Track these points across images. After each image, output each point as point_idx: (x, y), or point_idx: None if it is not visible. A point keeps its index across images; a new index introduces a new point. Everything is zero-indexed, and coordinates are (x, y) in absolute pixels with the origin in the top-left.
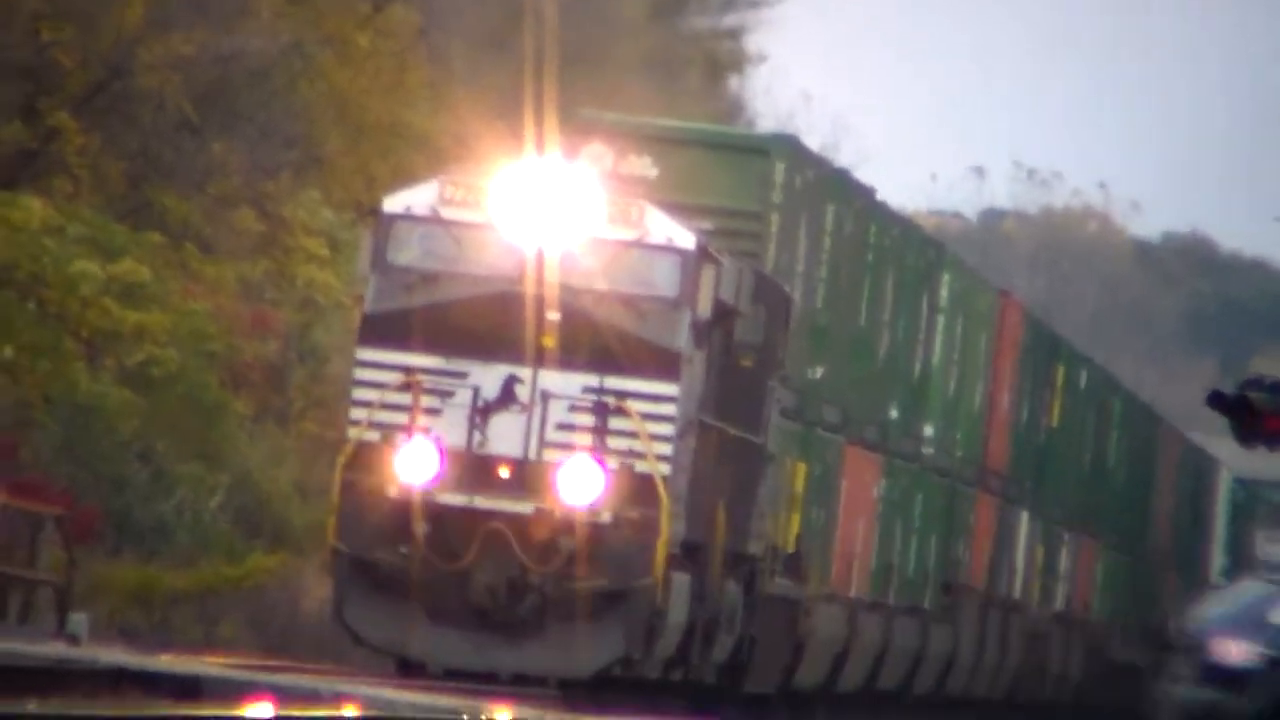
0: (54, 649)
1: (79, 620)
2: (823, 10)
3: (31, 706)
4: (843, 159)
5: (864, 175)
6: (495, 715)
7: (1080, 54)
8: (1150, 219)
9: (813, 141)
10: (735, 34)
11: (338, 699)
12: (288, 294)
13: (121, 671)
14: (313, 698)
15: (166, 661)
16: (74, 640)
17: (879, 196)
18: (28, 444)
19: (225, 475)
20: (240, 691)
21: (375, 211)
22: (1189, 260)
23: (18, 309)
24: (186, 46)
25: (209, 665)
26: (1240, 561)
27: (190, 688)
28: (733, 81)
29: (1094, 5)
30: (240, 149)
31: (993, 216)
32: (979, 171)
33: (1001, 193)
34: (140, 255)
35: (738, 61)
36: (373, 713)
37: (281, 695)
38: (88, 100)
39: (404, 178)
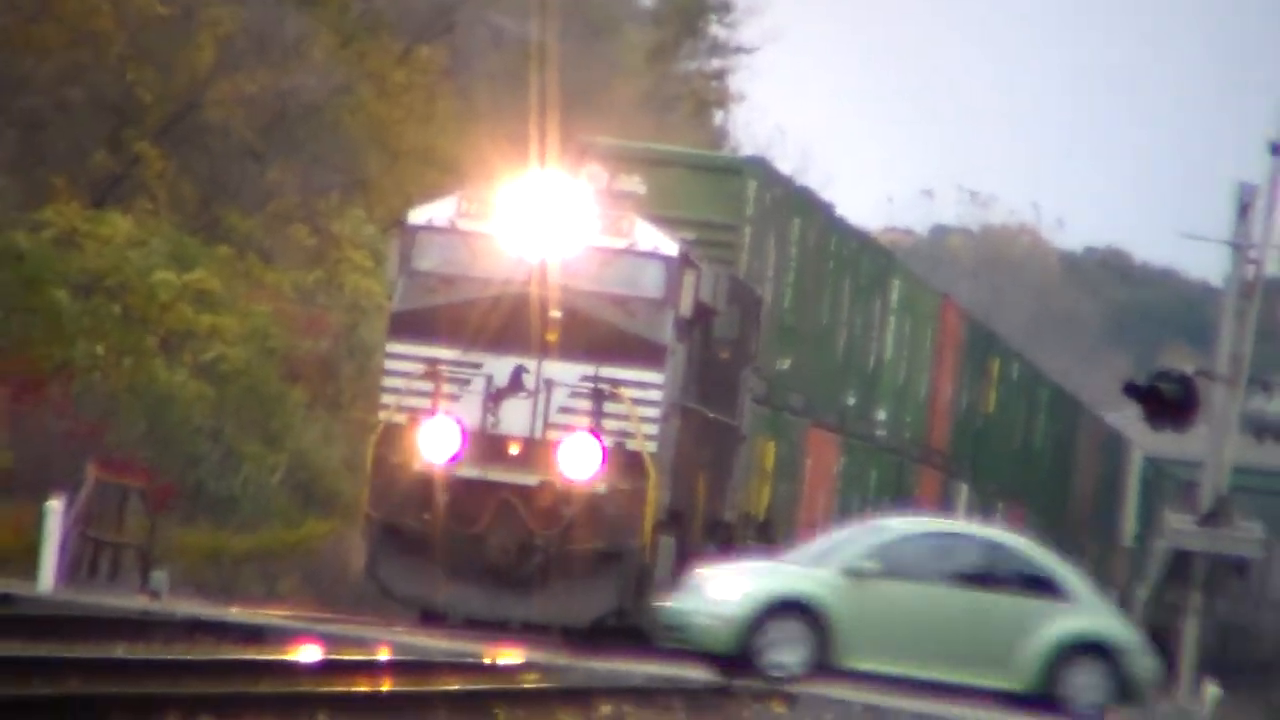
0: (138, 602)
1: (159, 578)
2: (795, 55)
3: (120, 651)
4: (810, 181)
5: (828, 195)
6: (508, 657)
7: (1017, 90)
8: (1074, 234)
9: (785, 166)
10: (719, 75)
11: (375, 644)
12: (337, 299)
13: (196, 621)
14: (354, 643)
15: (233, 613)
16: (155, 595)
17: (839, 213)
18: (115, 428)
19: (284, 454)
20: (295, 637)
21: (401, 224)
22: (1107, 270)
23: (106, 312)
24: (250, 85)
25: (269, 616)
26: (1149, 528)
27: (253, 635)
28: (717, 116)
29: (1027, 48)
30: (295, 173)
31: (940, 232)
32: (928, 194)
33: (948, 212)
34: (210, 265)
35: (721, 99)
36: (404, 656)
37: (328, 641)
38: (165, 131)
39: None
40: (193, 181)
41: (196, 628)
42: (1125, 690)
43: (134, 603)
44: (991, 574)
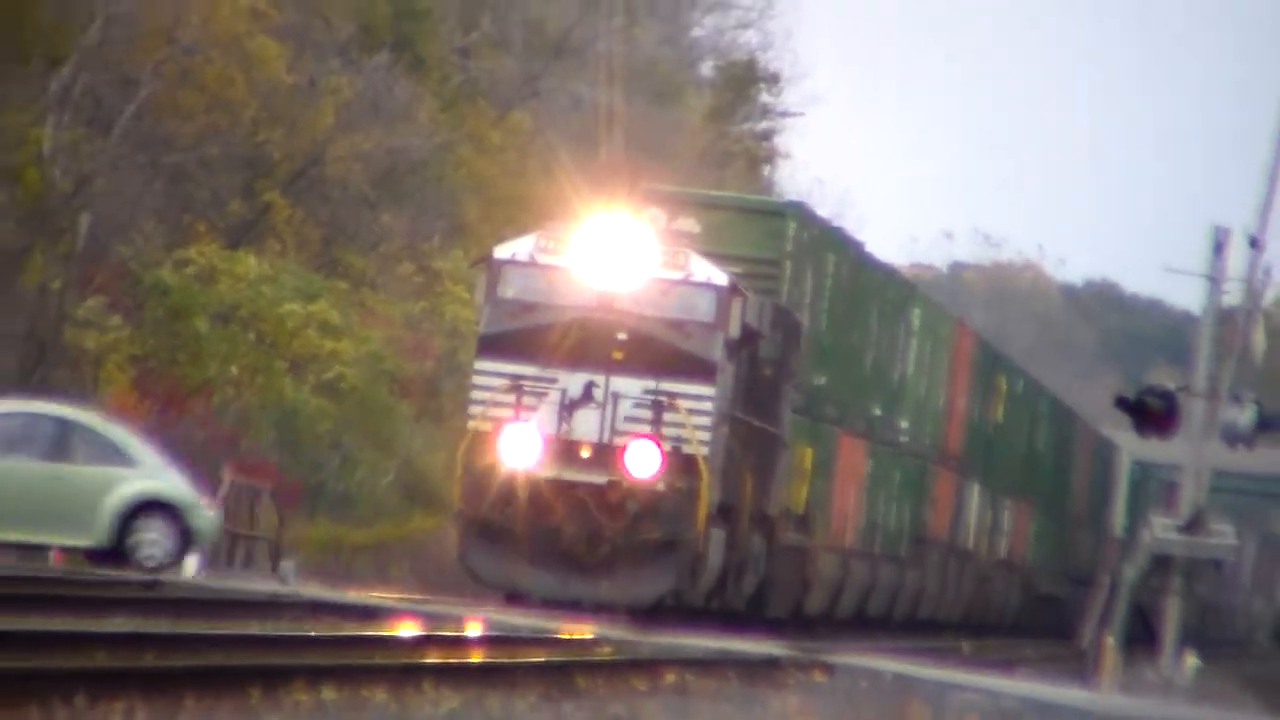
0: (269, 587)
1: (287, 566)
2: (833, 116)
3: (253, 629)
4: (845, 224)
5: (860, 235)
6: (581, 633)
7: (1028, 143)
8: (1073, 269)
9: (823, 211)
10: (768, 135)
11: (466, 620)
12: (439, 326)
13: (318, 603)
14: (450, 620)
15: (350, 596)
16: (284, 580)
17: (869, 250)
18: (248, 437)
19: (394, 460)
20: (402, 616)
21: (488, 258)
22: (1102, 300)
23: (241, 338)
24: (365, 143)
25: (381, 598)
26: (1136, 521)
27: (367, 614)
28: (765, 170)
29: (1037, 107)
30: (404, 219)
31: (958, 268)
32: (948, 235)
33: (964, 251)
34: (331, 298)
35: (769, 156)
36: (493, 632)
37: (428, 619)
38: (292, 183)
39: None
40: (315, 226)
41: (319, 608)
42: (188, 539)
43: (265, 587)
44: (67, 447)
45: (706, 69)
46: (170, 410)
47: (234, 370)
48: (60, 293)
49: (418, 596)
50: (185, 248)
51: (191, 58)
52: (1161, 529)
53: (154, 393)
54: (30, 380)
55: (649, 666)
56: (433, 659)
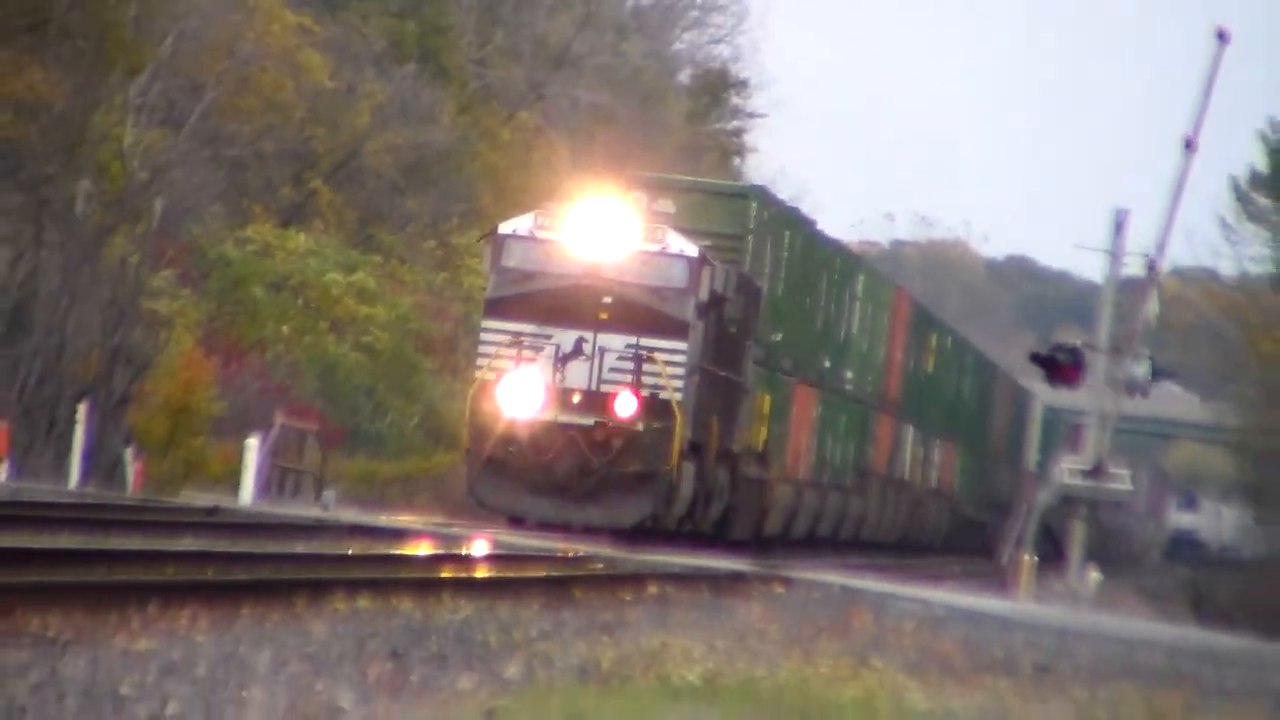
0: (313, 513)
1: (328, 495)
2: (793, 117)
3: (299, 548)
4: (803, 207)
5: (815, 216)
6: (574, 550)
7: (959, 136)
8: (995, 245)
9: (785, 196)
10: (738, 133)
11: (475, 538)
12: (458, 293)
13: (355, 526)
14: (462, 539)
15: (382, 520)
16: (325, 507)
17: (820, 227)
18: (296, 387)
19: (418, 406)
20: (422, 536)
21: (493, 233)
22: (1019, 271)
23: (290, 304)
24: (395, 139)
25: (408, 522)
26: (1047, 457)
27: (396, 535)
28: (736, 161)
29: (967, 101)
30: (428, 203)
31: (898, 245)
32: (889, 216)
33: (903, 230)
34: (366, 269)
35: (739, 150)
36: (499, 550)
37: (445, 538)
38: (333, 173)
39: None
40: (353, 209)
41: (355, 531)
42: None
43: (310, 513)
44: None
45: (685, 77)
46: (231, 364)
47: (284, 331)
48: (137, 266)
49: (438, 521)
50: (244, 227)
51: (249, 67)
52: (1069, 474)
53: (217, 350)
54: (111, 340)
55: (634, 580)
56: (450, 574)
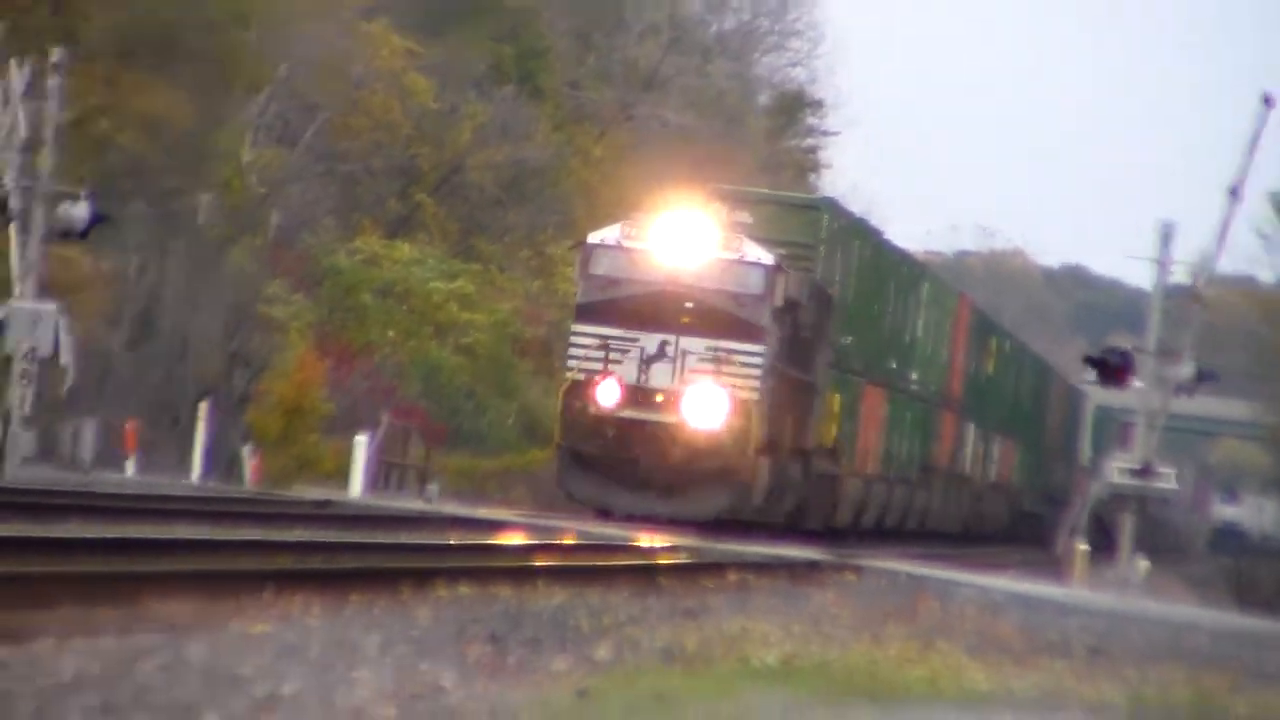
0: (417, 505)
1: (432, 488)
2: (866, 134)
3: (404, 538)
4: (873, 220)
5: (884, 228)
6: (657, 540)
7: (1018, 157)
8: (1052, 255)
9: (856, 209)
10: (813, 150)
11: (563, 531)
12: (552, 300)
13: (455, 518)
14: (553, 530)
15: (481, 512)
16: (429, 500)
17: (888, 237)
18: (402, 387)
19: (515, 405)
20: (512, 527)
21: (582, 243)
22: (1073, 279)
23: (396, 309)
24: (496, 155)
25: (505, 514)
26: (1099, 453)
27: (493, 526)
28: (811, 177)
29: (1026, 120)
30: (525, 215)
31: (961, 255)
32: (954, 228)
33: (967, 240)
34: (467, 277)
35: (814, 166)
36: (583, 540)
37: (536, 529)
38: (437, 187)
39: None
40: (455, 221)
41: (456, 522)
42: None
43: (414, 505)
44: None
45: (765, 98)
46: (341, 366)
47: (391, 335)
48: (255, 275)
49: (533, 513)
50: (354, 238)
51: (359, 89)
52: (1119, 473)
53: (329, 352)
54: (230, 343)
55: (715, 568)
56: (544, 562)
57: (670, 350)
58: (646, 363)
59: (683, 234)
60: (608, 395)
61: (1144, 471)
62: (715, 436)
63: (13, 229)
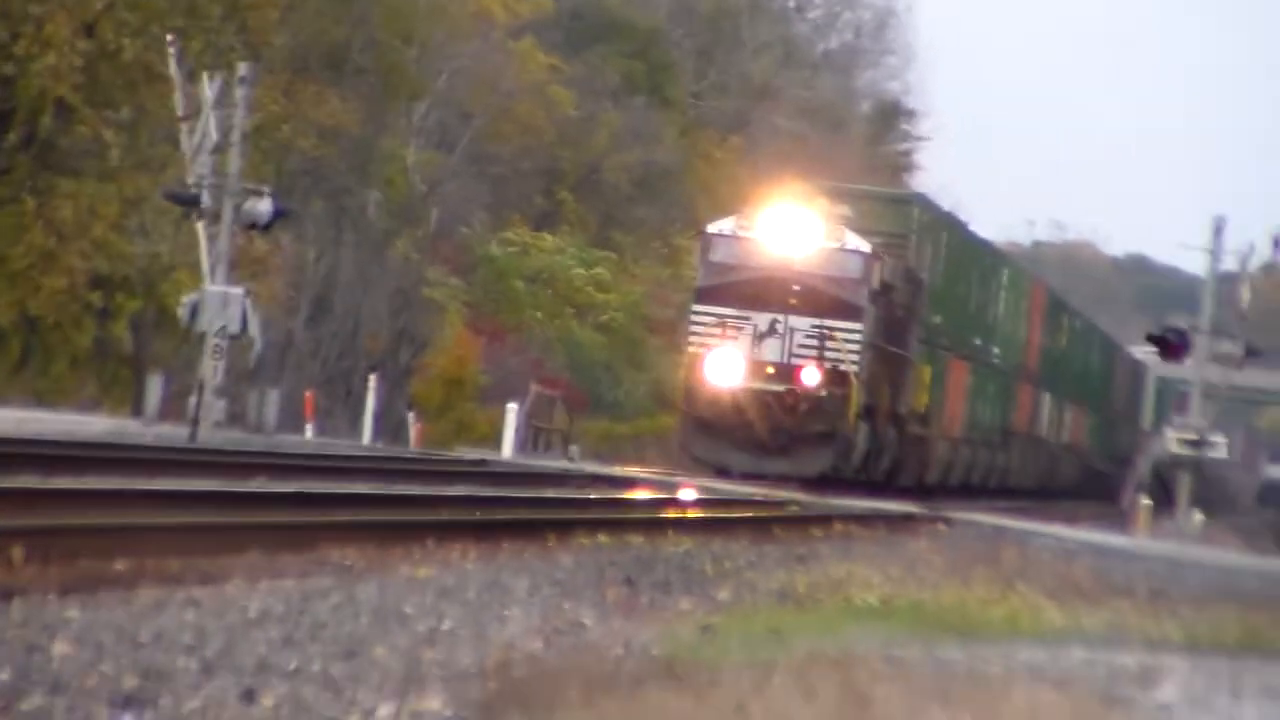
0: (562, 463)
1: (574, 450)
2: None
3: (549, 493)
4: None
5: (968, 220)
6: (771, 493)
7: (1089, 157)
8: (1118, 244)
9: (946, 204)
10: (907, 154)
11: (685, 485)
12: (679, 284)
13: (595, 475)
14: (676, 485)
15: (617, 470)
16: (572, 460)
17: (972, 229)
18: (548, 361)
19: (647, 376)
20: (644, 484)
21: (702, 232)
22: (1137, 266)
23: (542, 293)
24: (629, 157)
25: (638, 472)
26: (1160, 418)
27: (625, 482)
28: (905, 177)
29: (1096, 121)
30: (655, 211)
31: (1037, 245)
32: (1031, 221)
33: (1042, 233)
34: (604, 265)
35: (908, 168)
36: (705, 494)
37: (663, 485)
38: (577, 186)
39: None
40: (593, 215)
41: (595, 478)
42: None
43: (559, 464)
44: None
45: (865, 107)
46: (494, 343)
47: (538, 315)
48: (417, 263)
49: (662, 471)
50: (504, 230)
51: (509, 99)
52: (1178, 444)
53: (483, 330)
54: (396, 323)
55: (822, 520)
56: (673, 515)
57: (780, 328)
58: (759, 339)
59: (791, 225)
60: (725, 368)
61: (1199, 443)
62: (819, 404)
63: (203, 223)
